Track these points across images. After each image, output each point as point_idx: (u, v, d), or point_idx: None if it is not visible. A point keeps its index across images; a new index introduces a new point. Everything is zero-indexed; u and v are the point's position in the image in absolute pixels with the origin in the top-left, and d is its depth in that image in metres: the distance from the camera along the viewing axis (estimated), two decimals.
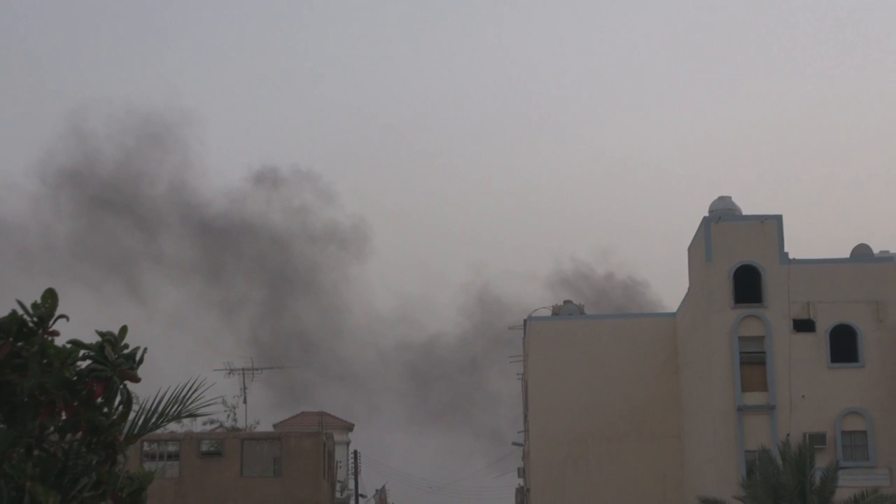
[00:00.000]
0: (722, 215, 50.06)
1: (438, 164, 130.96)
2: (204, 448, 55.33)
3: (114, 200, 76.38)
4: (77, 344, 7.28)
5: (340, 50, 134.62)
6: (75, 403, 7.25)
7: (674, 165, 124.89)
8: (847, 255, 51.04)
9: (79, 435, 7.40)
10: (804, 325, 48.49)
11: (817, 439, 45.77)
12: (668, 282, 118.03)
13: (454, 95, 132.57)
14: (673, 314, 58.61)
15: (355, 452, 73.06)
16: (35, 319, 7.09)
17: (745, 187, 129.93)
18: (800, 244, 77.01)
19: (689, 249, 52.77)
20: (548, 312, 64.17)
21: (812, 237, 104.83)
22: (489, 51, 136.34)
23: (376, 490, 78.23)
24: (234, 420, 61.87)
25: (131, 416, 7.83)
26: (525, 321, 63.25)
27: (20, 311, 7.07)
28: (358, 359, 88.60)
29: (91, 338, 7.33)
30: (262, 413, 62.91)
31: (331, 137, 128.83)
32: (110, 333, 7.46)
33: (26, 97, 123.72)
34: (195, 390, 8.62)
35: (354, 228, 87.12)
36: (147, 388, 7.87)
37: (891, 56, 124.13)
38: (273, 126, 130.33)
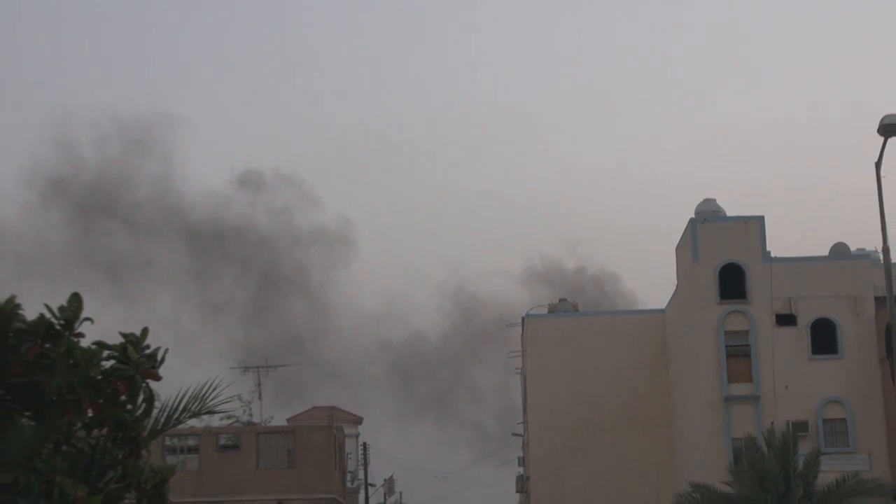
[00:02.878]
0: (707, 217, 50.06)
1: (416, 166, 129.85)
2: (222, 442, 55.35)
3: (102, 206, 75.07)
4: (101, 345, 7.26)
5: (320, 53, 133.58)
6: (101, 401, 7.22)
7: (640, 165, 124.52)
8: (826, 253, 51.02)
9: (104, 431, 7.38)
10: (786, 320, 48.47)
11: (800, 427, 45.73)
12: (639, 274, 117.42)
13: (432, 98, 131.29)
14: (662, 311, 58.60)
15: (364, 444, 73.05)
16: (62, 322, 7.07)
17: (724, 189, 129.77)
18: (781, 243, 76.75)
19: (677, 249, 52.76)
20: (544, 310, 64.21)
21: (793, 237, 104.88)
22: (465, 54, 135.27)
23: (384, 480, 78.23)
24: (250, 415, 61.88)
25: (154, 412, 7.81)
26: (523, 319, 63.26)
27: (47, 315, 7.05)
28: (345, 357, 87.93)
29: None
30: (256, 410, 62.42)
31: (304, 138, 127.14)
32: (132, 335, 7.44)
33: (11, 105, 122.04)
34: (213, 388, 8.63)
35: (340, 231, 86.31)
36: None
37: (864, 65, 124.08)
38: (253, 128, 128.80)
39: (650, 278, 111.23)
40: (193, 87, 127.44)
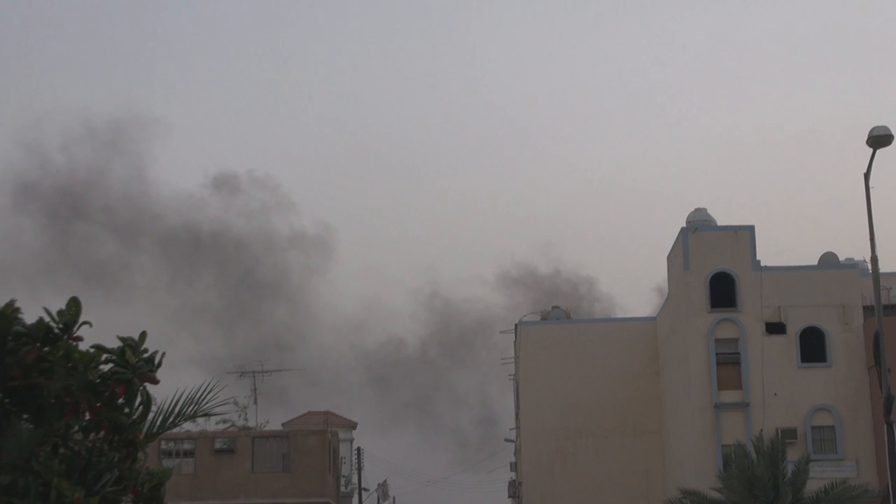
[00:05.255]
0: (698, 226, 50.14)
1: (391, 170, 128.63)
2: (217, 446, 55.25)
3: (76, 211, 73.72)
4: (100, 348, 7.26)
5: (295, 56, 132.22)
6: (98, 404, 7.23)
7: (624, 171, 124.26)
8: (815, 262, 51.08)
9: (101, 434, 7.39)
10: (776, 328, 48.52)
11: (789, 434, 45.76)
12: (617, 279, 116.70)
13: (410, 102, 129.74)
14: (653, 318, 58.67)
15: (358, 449, 72.92)
16: (60, 326, 7.08)
17: (711, 197, 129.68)
18: (771, 253, 76.97)
19: (668, 258, 52.82)
20: (537, 317, 64.23)
21: (782, 246, 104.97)
22: (443, 57, 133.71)
23: (378, 484, 78.07)
24: (245, 419, 61.80)
25: (150, 416, 7.81)
26: (516, 326, 63.28)
27: (46, 319, 7.06)
28: (324, 363, 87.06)
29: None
30: (251, 415, 61.60)
31: (277, 141, 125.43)
32: (130, 338, 7.45)
33: None
34: (209, 392, 8.62)
35: (319, 237, 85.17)
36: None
37: (855, 76, 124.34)
38: (227, 131, 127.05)
39: (629, 283, 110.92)
40: (167, 89, 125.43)
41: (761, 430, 41.66)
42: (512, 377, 67.81)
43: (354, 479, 71.82)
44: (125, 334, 7.42)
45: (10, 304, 7.07)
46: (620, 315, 69.76)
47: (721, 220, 51.43)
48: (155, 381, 7.45)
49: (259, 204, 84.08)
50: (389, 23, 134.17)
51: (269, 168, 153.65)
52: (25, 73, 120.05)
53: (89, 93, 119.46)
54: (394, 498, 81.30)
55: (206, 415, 8.73)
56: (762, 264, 48.94)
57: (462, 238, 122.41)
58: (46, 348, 7.04)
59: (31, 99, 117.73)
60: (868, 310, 47.59)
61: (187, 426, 9.13)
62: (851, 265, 50.95)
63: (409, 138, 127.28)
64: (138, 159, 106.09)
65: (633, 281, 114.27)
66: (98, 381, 7.23)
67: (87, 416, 7.26)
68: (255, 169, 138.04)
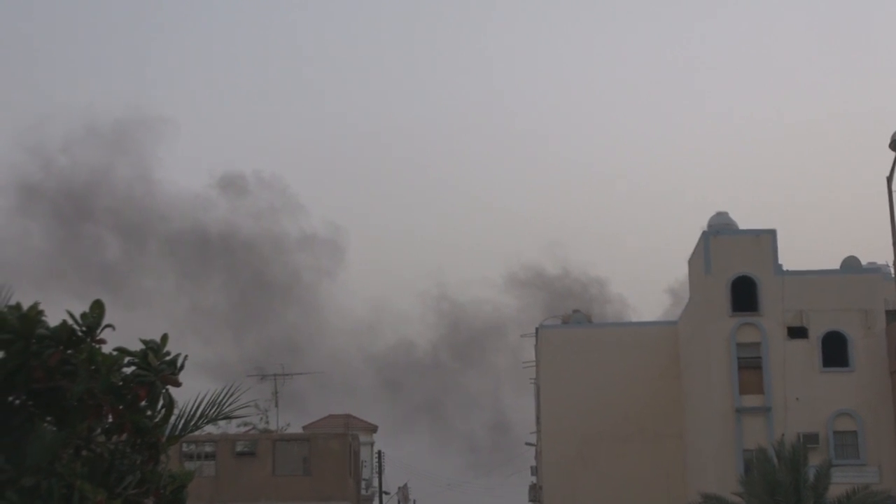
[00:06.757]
0: (720, 230, 50.03)
1: (401, 174, 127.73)
2: (238, 448, 55.37)
3: (83, 213, 73.23)
4: (123, 351, 7.30)
5: (304, 56, 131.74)
6: (121, 407, 7.26)
7: (641, 174, 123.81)
8: (837, 266, 50.87)
9: (124, 436, 7.42)
10: (798, 332, 48.33)
11: (811, 439, 45.55)
12: (629, 281, 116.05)
13: (424, 102, 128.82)
14: (674, 322, 58.53)
15: (379, 452, 72.93)
16: (83, 329, 7.11)
17: (729, 203, 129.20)
18: (793, 257, 76.65)
19: (689, 262, 52.70)
20: (557, 321, 64.21)
21: (804, 250, 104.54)
22: (455, 57, 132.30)
23: (399, 487, 78.08)
24: (266, 422, 61.90)
25: (172, 418, 7.84)
26: (537, 330, 63.25)
27: (70, 321, 7.10)
28: (335, 365, 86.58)
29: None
30: (272, 417, 61.12)
31: (283, 142, 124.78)
32: (153, 341, 7.48)
33: None
34: (231, 395, 8.64)
35: (330, 238, 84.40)
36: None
37: (878, 79, 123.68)
38: (234, 131, 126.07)
39: (639, 284, 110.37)
40: (172, 89, 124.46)
41: (783, 434, 41.48)
42: (533, 381, 67.74)
43: (375, 483, 71.85)
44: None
45: (34, 306, 7.11)
46: (632, 316, 69.77)
47: (742, 224, 51.32)
48: (177, 384, 7.48)
49: (267, 205, 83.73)
50: (398, 22, 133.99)
51: (276, 169, 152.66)
52: (27, 74, 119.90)
53: (93, 93, 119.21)
54: (415, 501, 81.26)
55: (228, 417, 8.75)
56: (784, 268, 48.78)
57: (468, 239, 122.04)
58: (70, 351, 7.07)
59: (33, 100, 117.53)
60: (890, 314, 47.37)
61: (208, 429, 9.16)
62: (874, 269, 50.73)
63: (417, 139, 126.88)
64: (144, 160, 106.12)
65: (645, 282, 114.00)
66: (121, 383, 7.26)
67: (110, 419, 7.29)
68: (262, 169, 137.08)
